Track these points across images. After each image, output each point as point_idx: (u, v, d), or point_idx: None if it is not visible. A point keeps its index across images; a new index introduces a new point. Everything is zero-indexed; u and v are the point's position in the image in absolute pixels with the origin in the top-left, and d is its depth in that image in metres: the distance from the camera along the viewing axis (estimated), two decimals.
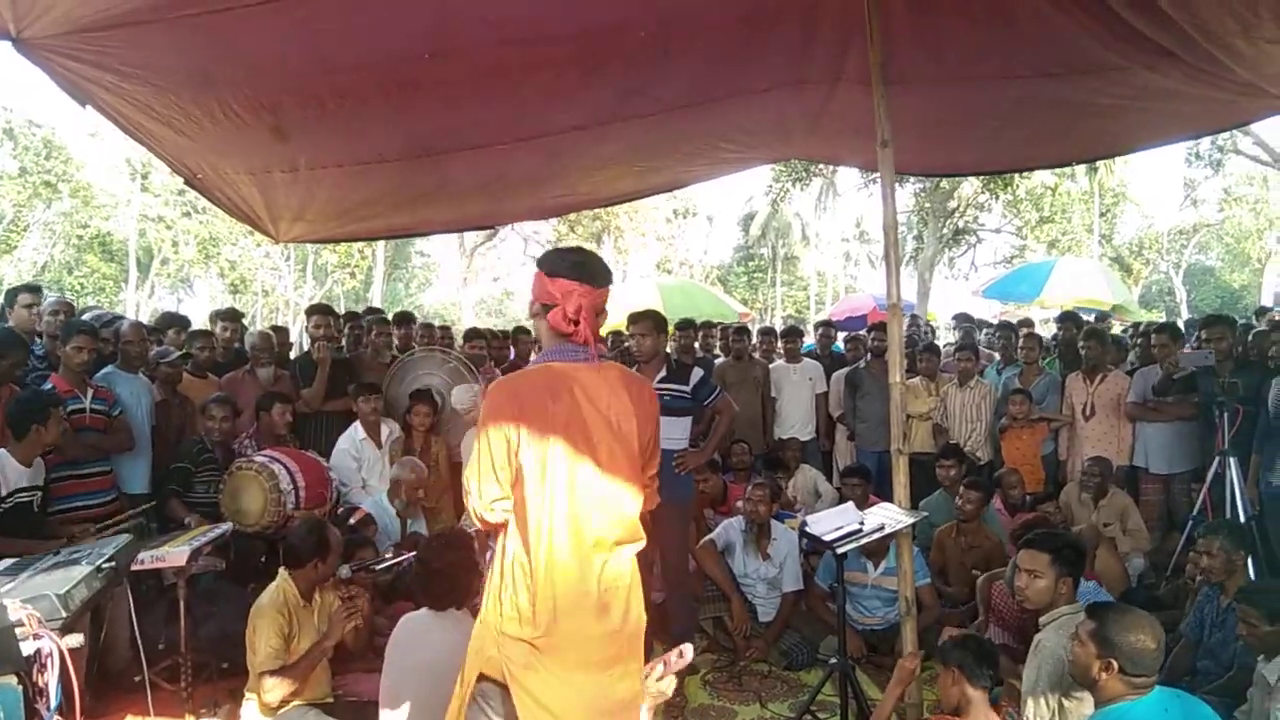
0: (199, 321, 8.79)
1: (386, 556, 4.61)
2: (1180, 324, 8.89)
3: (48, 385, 4.79)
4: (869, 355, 7.50)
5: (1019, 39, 4.06)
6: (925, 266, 24.11)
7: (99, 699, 4.10)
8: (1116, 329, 11.29)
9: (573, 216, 26.49)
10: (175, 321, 7.24)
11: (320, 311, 6.86)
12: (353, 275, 30.59)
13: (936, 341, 10.25)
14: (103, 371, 5.30)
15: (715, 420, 5.36)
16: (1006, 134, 5.59)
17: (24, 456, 4.26)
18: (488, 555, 2.66)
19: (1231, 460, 5.27)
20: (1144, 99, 4.59)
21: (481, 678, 2.44)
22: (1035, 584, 3.44)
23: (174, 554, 3.97)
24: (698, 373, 5.12)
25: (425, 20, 3.54)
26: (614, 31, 3.86)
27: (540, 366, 2.50)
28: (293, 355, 7.56)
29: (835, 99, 4.91)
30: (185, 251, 28.77)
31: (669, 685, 2.64)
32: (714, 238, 53.44)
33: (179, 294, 36.13)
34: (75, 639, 2.34)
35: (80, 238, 29.93)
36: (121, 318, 6.76)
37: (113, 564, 2.84)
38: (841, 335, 10.04)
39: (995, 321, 10.88)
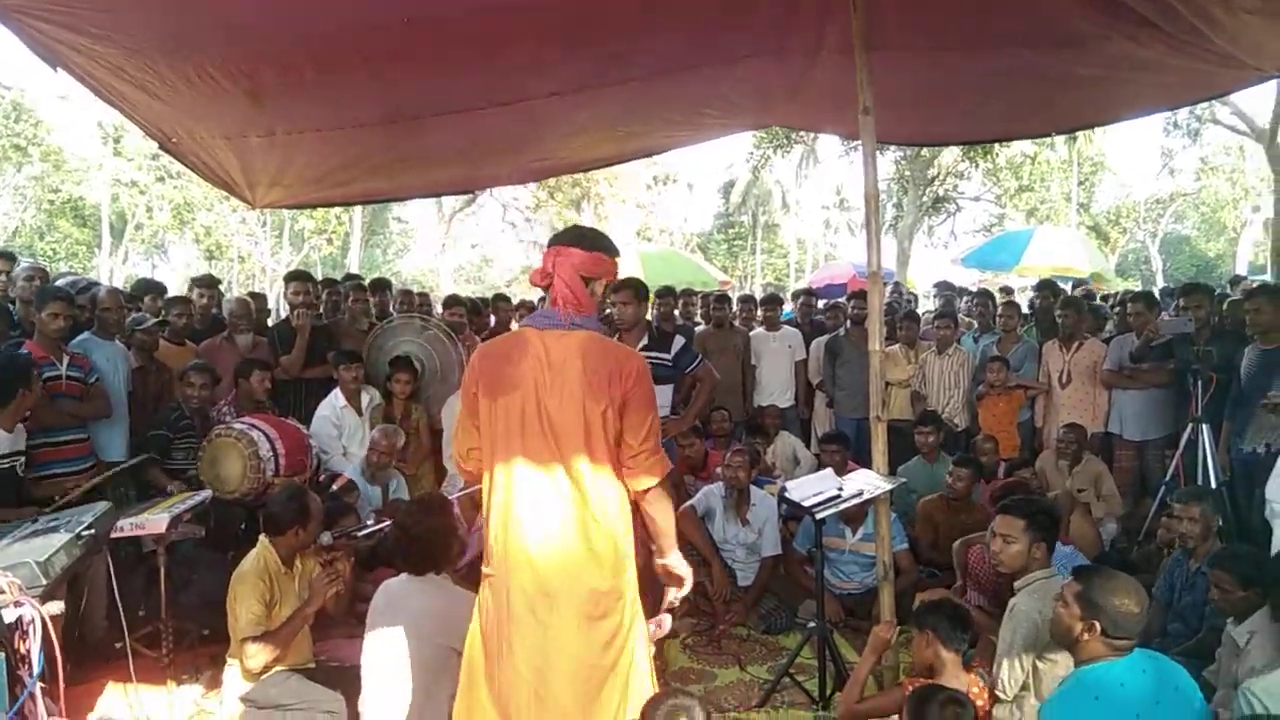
0: (175, 288, 8.70)
1: (368, 523, 4.61)
2: (1155, 292, 8.96)
3: (22, 351, 4.72)
4: (849, 323, 7.52)
5: (1001, 6, 4.05)
6: (905, 234, 24.20)
7: (78, 666, 4.07)
8: (1102, 295, 11.37)
9: (552, 182, 26.21)
10: (152, 288, 7.17)
11: (299, 278, 6.80)
12: (330, 241, 30.19)
13: (916, 309, 10.28)
14: (79, 338, 5.21)
15: (696, 388, 5.36)
16: (988, 105, 5.58)
17: (7, 422, 4.20)
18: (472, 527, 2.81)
19: (1204, 427, 5.36)
20: (1124, 69, 4.60)
21: None
22: (1009, 549, 3.49)
23: (153, 521, 3.95)
24: (679, 341, 5.13)
25: None
26: None
27: (515, 331, 2.75)
28: (270, 322, 7.51)
29: (817, 66, 4.87)
30: (159, 217, 28.22)
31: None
32: (694, 205, 53.20)
33: (153, 260, 35.67)
34: (56, 606, 2.35)
35: (52, 203, 29.28)
36: (97, 284, 6.68)
37: (92, 531, 2.84)
38: (821, 303, 10.05)
39: (974, 289, 10.90)
